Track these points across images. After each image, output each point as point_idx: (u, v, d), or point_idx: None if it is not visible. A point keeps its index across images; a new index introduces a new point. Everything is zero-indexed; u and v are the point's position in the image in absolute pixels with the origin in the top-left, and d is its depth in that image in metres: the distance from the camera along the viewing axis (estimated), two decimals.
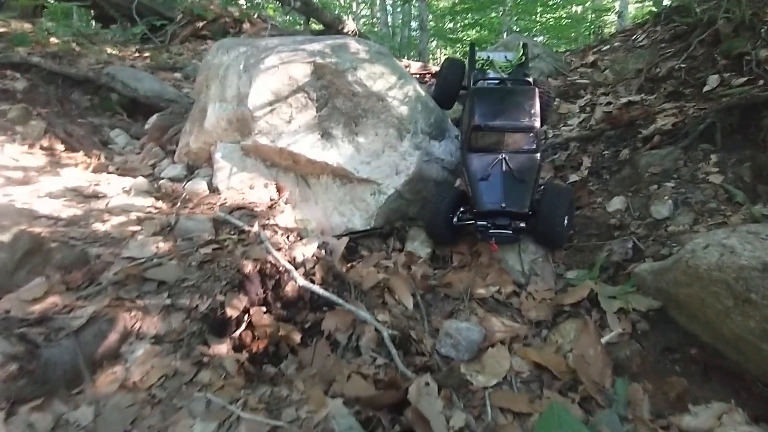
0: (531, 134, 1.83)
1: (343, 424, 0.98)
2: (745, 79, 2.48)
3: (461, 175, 1.99)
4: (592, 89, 3.41)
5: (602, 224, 1.92)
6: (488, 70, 2.24)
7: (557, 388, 1.31)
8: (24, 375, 0.95)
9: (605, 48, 4.41)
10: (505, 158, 1.81)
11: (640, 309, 1.43)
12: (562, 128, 2.88)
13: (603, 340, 1.37)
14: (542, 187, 1.97)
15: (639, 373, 1.30)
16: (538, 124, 1.84)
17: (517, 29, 12.38)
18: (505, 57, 2.23)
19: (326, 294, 1.51)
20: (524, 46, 2.24)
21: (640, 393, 1.22)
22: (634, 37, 4.20)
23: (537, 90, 1.91)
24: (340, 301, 1.51)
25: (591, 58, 4.08)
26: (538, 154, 1.85)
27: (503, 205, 1.73)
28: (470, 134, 1.87)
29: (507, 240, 1.73)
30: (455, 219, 1.87)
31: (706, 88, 2.62)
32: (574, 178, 2.27)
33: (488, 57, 2.28)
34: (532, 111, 1.85)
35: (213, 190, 2.08)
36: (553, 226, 1.75)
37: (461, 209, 1.88)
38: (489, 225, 1.74)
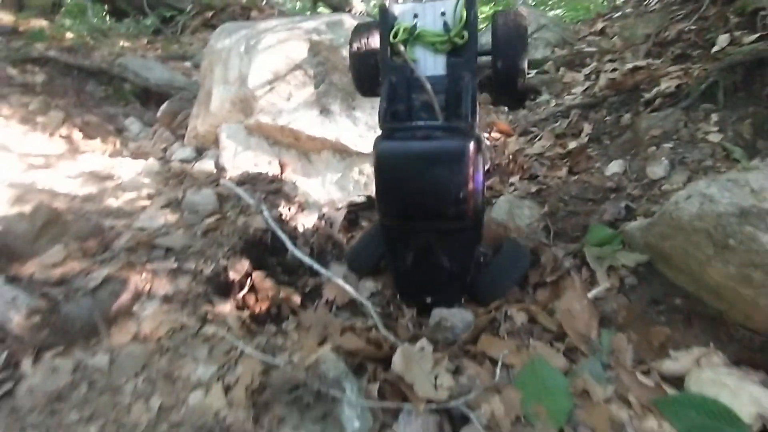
0: (467, 232, 1.33)
1: (332, 366, 1.06)
2: (757, 35, 2.41)
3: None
4: (598, 57, 3.35)
5: (599, 188, 1.93)
6: (413, 56, 1.28)
7: (547, 340, 1.35)
8: (46, 326, 1.06)
9: (616, 15, 4.29)
10: (430, 242, 1.34)
11: (628, 265, 1.45)
12: (566, 97, 2.86)
13: (590, 295, 1.40)
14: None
15: (625, 325, 1.34)
16: (471, 204, 1.24)
17: (533, 2, 12.02)
18: (443, 15, 1.26)
19: (311, 262, 1.53)
20: None
21: (624, 342, 1.26)
22: (645, 2, 4.07)
23: (470, 151, 1.18)
24: (328, 273, 1.50)
25: (600, 26, 3.98)
26: (475, 230, 1.38)
27: (429, 300, 1.43)
28: (380, 220, 1.39)
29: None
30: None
31: (715, 49, 2.55)
32: (573, 144, 2.27)
33: (414, 24, 1.26)
34: (462, 190, 1.21)
35: (220, 169, 2.18)
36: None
37: None
38: (418, 307, 1.47)
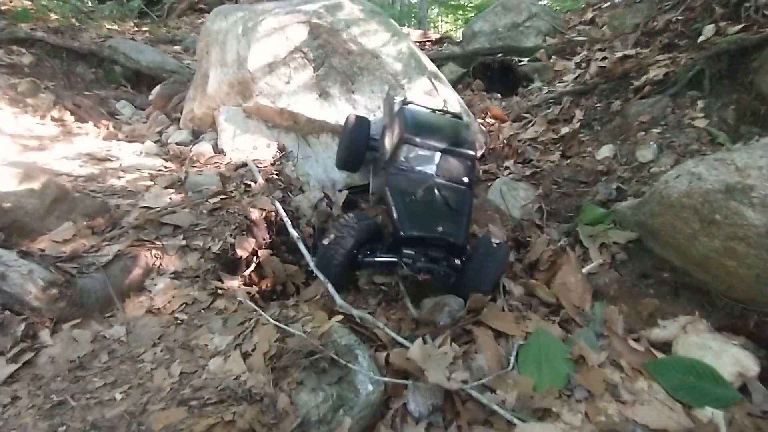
0: (468, 163, 1.58)
1: (344, 336, 1.11)
2: (741, 26, 2.49)
3: (384, 197, 1.58)
4: (589, 45, 3.41)
5: (590, 171, 2.01)
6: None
7: (544, 312, 1.43)
8: (63, 298, 1.08)
9: (605, 5, 4.36)
10: (438, 182, 1.55)
11: (619, 242, 1.53)
12: (558, 84, 2.92)
13: (584, 270, 1.48)
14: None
15: (616, 297, 1.42)
16: (476, 154, 1.61)
17: None
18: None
19: (310, 258, 1.51)
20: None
21: (615, 313, 1.34)
22: None
23: (475, 125, 1.55)
24: (324, 279, 1.40)
25: (589, 16, 4.05)
26: (471, 191, 1.59)
27: (440, 229, 1.36)
28: (397, 148, 1.56)
29: (441, 277, 1.35)
30: (360, 256, 1.45)
31: (701, 38, 2.63)
32: (565, 130, 2.33)
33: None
34: (470, 140, 1.65)
35: (218, 151, 2.18)
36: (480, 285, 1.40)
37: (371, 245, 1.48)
38: (418, 256, 1.35)
